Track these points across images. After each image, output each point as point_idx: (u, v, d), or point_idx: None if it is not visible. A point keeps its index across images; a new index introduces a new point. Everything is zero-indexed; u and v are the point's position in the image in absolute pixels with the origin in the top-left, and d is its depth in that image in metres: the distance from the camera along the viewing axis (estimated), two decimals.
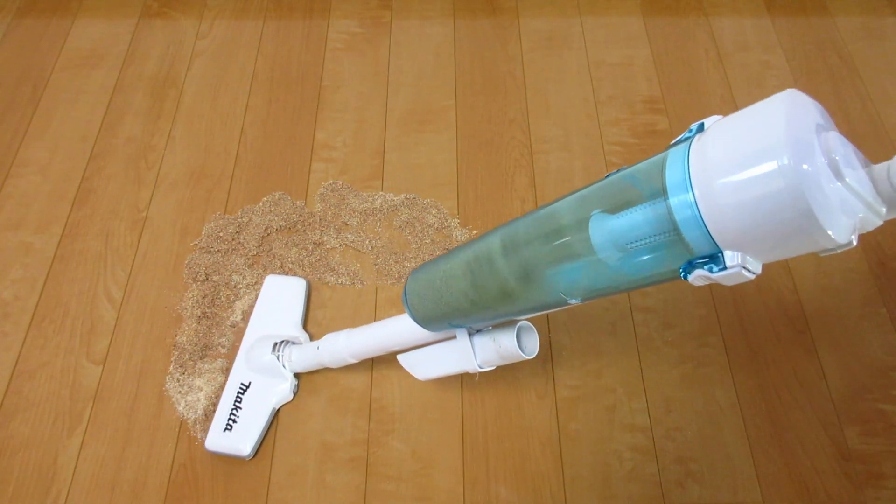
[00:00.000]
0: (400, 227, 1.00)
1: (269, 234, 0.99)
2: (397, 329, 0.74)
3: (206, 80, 1.17)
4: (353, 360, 0.81)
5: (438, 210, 1.02)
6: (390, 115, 1.13)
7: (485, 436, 0.84)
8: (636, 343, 0.90)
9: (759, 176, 0.38)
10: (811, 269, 0.97)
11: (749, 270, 0.41)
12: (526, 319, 0.66)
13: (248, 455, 0.81)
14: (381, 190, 1.04)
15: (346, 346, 0.79)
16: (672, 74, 1.18)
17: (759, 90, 1.16)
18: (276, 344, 0.85)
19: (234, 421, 0.82)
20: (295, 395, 0.86)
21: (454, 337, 0.69)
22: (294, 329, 0.89)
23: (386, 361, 0.89)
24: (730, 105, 1.14)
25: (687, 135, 0.45)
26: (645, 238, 0.45)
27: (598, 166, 1.07)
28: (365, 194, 1.03)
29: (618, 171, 0.50)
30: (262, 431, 0.82)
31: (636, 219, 0.45)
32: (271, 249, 0.98)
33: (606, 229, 0.47)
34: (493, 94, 1.15)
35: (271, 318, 0.90)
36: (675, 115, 1.13)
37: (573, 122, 1.12)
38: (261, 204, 1.02)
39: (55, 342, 0.91)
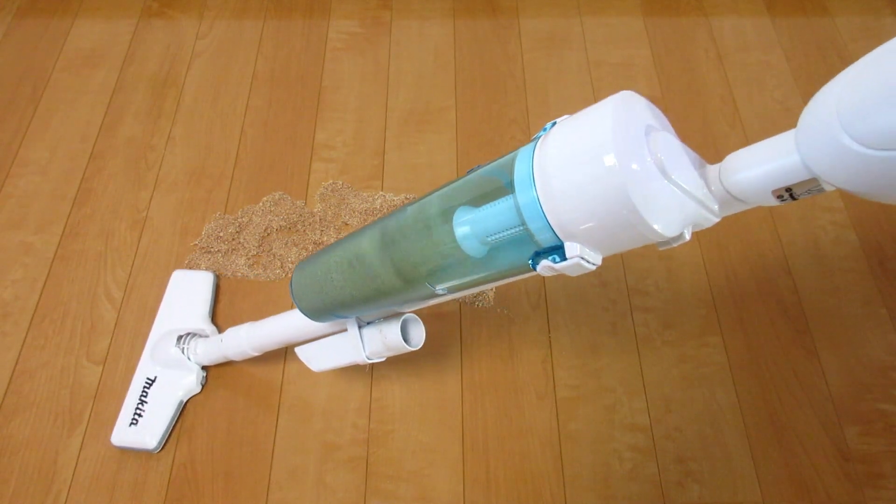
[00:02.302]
0: None
1: (269, 234, 0.99)
2: (293, 322, 0.75)
3: (206, 80, 1.17)
4: (255, 353, 0.81)
5: None
6: (390, 115, 1.13)
7: (485, 436, 0.84)
8: (636, 343, 0.90)
9: (590, 173, 0.40)
10: (811, 270, 0.97)
11: (588, 261, 0.43)
12: (411, 311, 0.67)
13: (155, 448, 0.82)
14: (381, 190, 1.04)
15: (247, 338, 0.80)
16: (672, 74, 1.18)
17: (759, 90, 1.16)
18: (180, 337, 0.85)
19: (139, 415, 0.82)
20: (203, 387, 0.87)
21: (346, 330, 0.70)
22: (201, 322, 0.89)
23: (386, 362, 0.89)
24: (729, 105, 1.14)
25: (541, 133, 0.47)
26: (500, 231, 0.47)
27: None
28: (365, 194, 1.03)
29: (479, 166, 0.52)
30: (169, 424, 0.83)
31: (493, 212, 0.47)
32: (271, 249, 0.98)
33: (468, 222, 0.49)
34: (493, 94, 1.15)
35: (177, 313, 0.91)
36: (675, 115, 1.13)
37: None
38: (261, 204, 1.02)
39: (55, 342, 0.91)
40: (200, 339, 0.86)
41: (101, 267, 0.97)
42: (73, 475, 0.82)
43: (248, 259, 0.97)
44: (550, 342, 0.90)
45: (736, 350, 0.90)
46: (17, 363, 0.89)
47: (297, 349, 0.76)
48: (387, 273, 0.56)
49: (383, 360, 0.70)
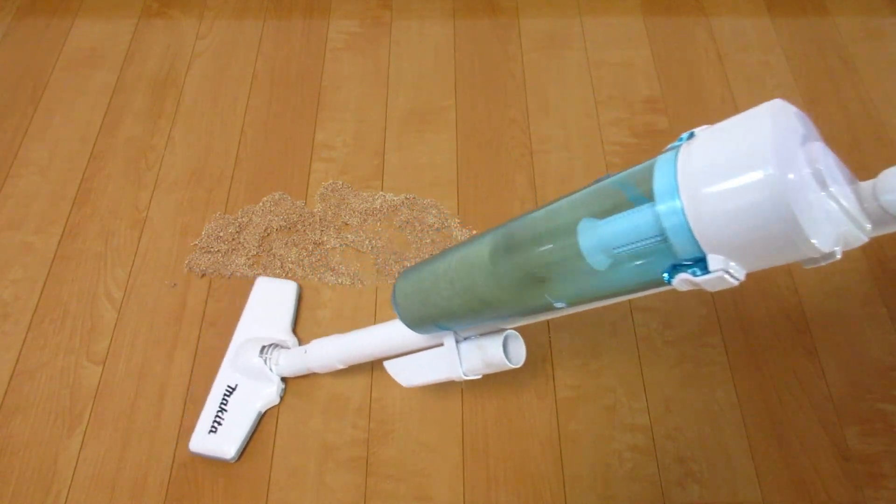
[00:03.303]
0: (400, 227, 1.00)
1: (269, 234, 0.99)
2: (385, 335, 0.74)
3: (206, 80, 1.17)
4: (341, 366, 0.80)
5: (438, 210, 1.02)
6: (390, 115, 1.13)
7: (485, 436, 0.84)
8: (636, 343, 0.90)
9: (745, 185, 0.39)
10: (811, 270, 0.97)
11: (732, 275, 0.42)
12: (513, 328, 0.66)
13: (232, 458, 0.81)
14: (381, 190, 1.04)
15: (333, 351, 0.79)
16: (672, 74, 1.18)
17: (759, 90, 1.16)
18: (264, 347, 0.85)
19: (219, 423, 0.82)
20: (281, 399, 0.86)
21: (441, 345, 0.69)
22: (283, 333, 0.88)
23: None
24: (730, 105, 1.14)
25: (677, 143, 0.46)
26: (632, 242, 0.46)
27: (598, 166, 1.07)
28: (365, 194, 1.03)
29: (606, 176, 0.51)
30: (247, 435, 0.82)
31: (624, 224, 0.46)
32: (271, 249, 0.98)
33: (595, 234, 0.48)
34: (493, 94, 1.15)
35: (260, 321, 0.90)
36: (675, 115, 1.13)
37: (573, 122, 1.12)
38: (261, 204, 1.02)
39: (55, 342, 0.91)
40: (283, 351, 0.84)
41: (101, 267, 0.97)
42: (73, 475, 0.82)
43: (248, 259, 0.97)
44: (550, 342, 0.90)
45: (736, 350, 0.90)
46: (17, 363, 0.89)
47: (386, 363, 0.74)
48: (501, 284, 0.54)
49: (479, 377, 0.68)
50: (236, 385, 0.84)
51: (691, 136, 0.45)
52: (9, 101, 1.15)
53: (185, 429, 0.84)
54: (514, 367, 0.64)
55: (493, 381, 0.87)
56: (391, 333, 0.72)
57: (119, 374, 0.88)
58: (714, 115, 1.13)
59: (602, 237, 0.47)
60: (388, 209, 1.02)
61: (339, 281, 0.95)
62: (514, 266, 0.54)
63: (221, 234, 0.99)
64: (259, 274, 0.95)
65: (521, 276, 0.53)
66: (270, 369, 0.84)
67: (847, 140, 1.10)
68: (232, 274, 0.96)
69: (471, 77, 1.17)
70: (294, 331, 0.91)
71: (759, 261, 0.42)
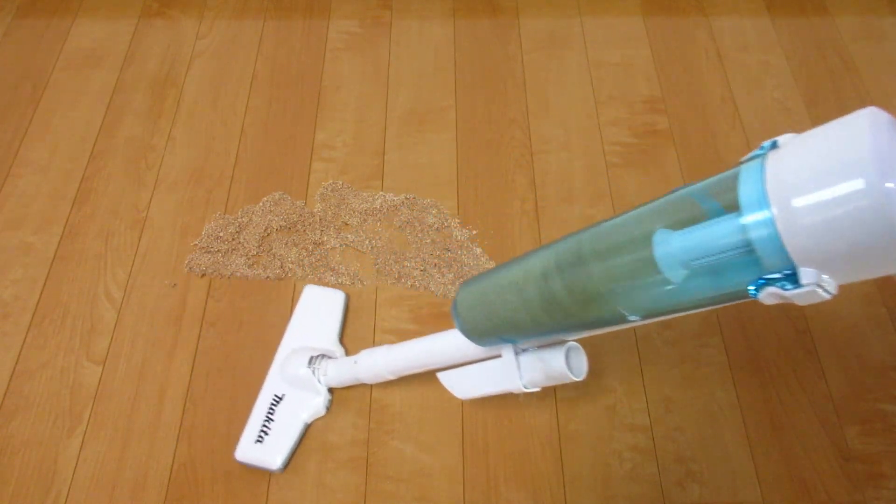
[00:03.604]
0: (400, 227, 1.00)
1: (269, 234, 0.99)
2: (441, 345, 0.72)
3: (206, 80, 1.17)
4: (392, 377, 0.79)
5: (438, 210, 1.02)
6: (390, 115, 1.13)
7: (485, 436, 0.84)
8: (636, 343, 0.90)
9: (843, 195, 0.37)
10: None
11: (824, 290, 0.40)
12: (575, 340, 0.64)
13: (279, 469, 0.80)
14: (381, 190, 1.04)
15: (385, 361, 0.77)
16: (672, 74, 1.18)
17: (759, 90, 1.16)
18: (312, 357, 0.83)
19: (265, 433, 0.81)
20: (328, 410, 0.85)
21: (499, 356, 0.67)
22: (331, 343, 0.87)
23: None
24: (730, 105, 1.14)
25: (759, 151, 0.44)
26: (713, 254, 0.44)
27: (599, 166, 1.07)
28: (365, 194, 1.03)
29: (682, 187, 0.50)
30: (294, 445, 0.81)
31: (705, 235, 0.44)
32: (271, 249, 0.98)
33: (672, 245, 0.46)
34: (493, 94, 1.15)
35: (308, 330, 0.89)
36: (675, 115, 1.13)
37: (573, 122, 1.12)
38: (261, 204, 1.02)
39: (55, 342, 0.91)
40: (330, 361, 0.83)
41: (101, 267, 0.97)
42: (73, 475, 0.82)
43: (248, 259, 0.97)
44: None
45: (736, 350, 0.90)
46: (17, 363, 0.89)
47: (440, 375, 0.73)
48: (571, 296, 0.53)
49: (538, 389, 0.66)
50: (283, 395, 0.83)
51: (774, 145, 0.44)
52: (9, 101, 1.15)
53: (185, 429, 0.84)
54: (576, 380, 0.63)
55: None
56: (446, 344, 0.71)
57: (119, 374, 0.88)
58: (714, 114, 1.13)
59: (679, 249, 0.46)
60: (388, 209, 1.02)
61: (339, 281, 0.95)
62: (584, 278, 0.52)
63: (221, 234, 0.99)
64: (259, 274, 0.95)
65: (591, 289, 0.52)
66: (319, 380, 0.83)
67: None
68: (232, 274, 0.96)
69: (471, 77, 1.17)
70: (341, 341, 0.90)
71: (854, 273, 0.40)
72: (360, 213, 1.01)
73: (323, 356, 0.84)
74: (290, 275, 0.96)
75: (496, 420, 0.85)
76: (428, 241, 0.99)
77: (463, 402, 0.86)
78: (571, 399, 0.86)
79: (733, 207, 0.43)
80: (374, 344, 0.90)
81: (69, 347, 0.90)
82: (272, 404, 0.83)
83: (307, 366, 0.83)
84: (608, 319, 0.54)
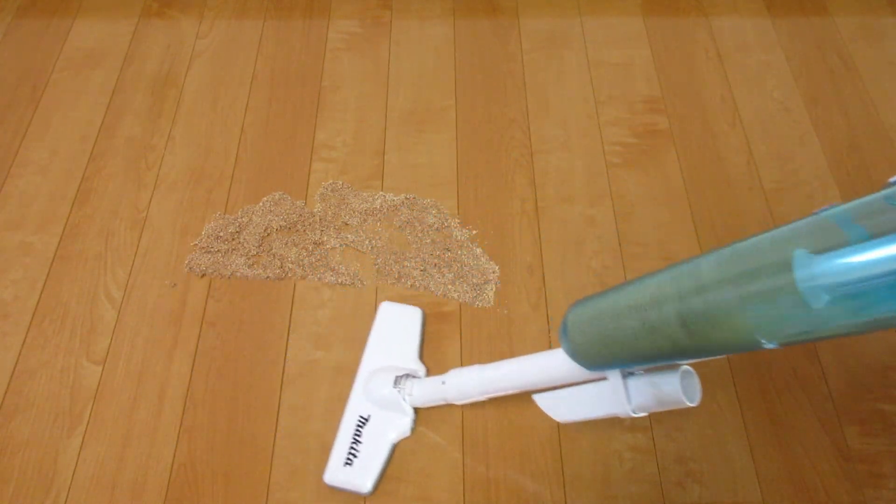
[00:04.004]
0: (400, 227, 1.00)
1: (269, 234, 0.99)
2: (540, 367, 0.69)
3: (206, 80, 1.17)
4: (482, 398, 0.78)
5: (438, 210, 1.02)
6: (390, 115, 1.13)
7: (485, 436, 0.84)
8: None
9: None
10: None
11: None
12: (689, 364, 0.61)
13: (369, 492, 0.79)
14: (381, 190, 1.04)
15: (475, 382, 0.75)
16: (672, 74, 1.18)
17: (759, 90, 1.16)
18: (398, 378, 0.82)
19: (353, 455, 0.80)
20: (413, 431, 0.83)
21: (601, 378, 0.64)
22: (412, 361, 0.86)
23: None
24: (730, 105, 1.14)
25: None
26: (864, 280, 0.42)
27: (599, 166, 1.07)
28: (365, 194, 1.03)
29: (827, 208, 0.48)
30: (383, 467, 0.80)
31: (855, 258, 0.42)
32: (271, 249, 0.98)
33: (815, 269, 0.44)
34: (493, 94, 1.15)
35: (387, 349, 0.88)
36: (675, 115, 1.13)
37: (573, 122, 1.12)
38: (261, 204, 1.02)
39: (55, 342, 0.91)
40: (415, 381, 0.82)
41: (101, 267, 0.97)
42: (73, 475, 0.82)
43: (248, 259, 0.97)
44: (550, 342, 0.90)
45: None
46: (17, 363, 0.89)
47: (536, 397, 0.71)
48: (699, 323, 0.50)
49: (646, 415, 0.63)
50: (369, 416, 0.82)
51: None
52: (9, 101, 1.15)
53: (185, 429, 0.84)
54: (690, 405, 0.60)
55: None
56: (546, 366, 0.68)
57: (119, 374, 0.88)
58: (714, 114, 1.13)
59: (825, 272, 0.43)
60: (388, 209, 1.02)
61: (339, 281, 0.95)
62: (714, 304, 0.49)
63: (221, 234, 0.99)
64: (259, 274, 0.95)
65: (722, 315, 0.49)
66: (404, 399, 0.82)
67: (847, 140, 1.10)
68: (232, 274, 0.96)
69: (471, 77, 1.17)
70: (421, 358, 0.88)
71: None
72: (360, 213, 1.01)
73: (407, 376, 0.83)
74: (289, 275, 0.96)
75: (496, 420, 0.85)
76: (428, 241, 0.99)
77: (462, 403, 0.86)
78: None
79: (882, 232, 0.41)
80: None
81: (69, 347, 0.90)
82: (358, 426, 0.81)
83: (393, 386, 0.82)
84: (740, 346, 0.51)
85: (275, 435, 0.84)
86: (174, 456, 0.83)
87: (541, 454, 0.83)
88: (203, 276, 0.96)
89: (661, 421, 0.85)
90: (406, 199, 1.03)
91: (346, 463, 0.79)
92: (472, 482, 0.81)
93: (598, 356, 0.60)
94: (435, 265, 0.96)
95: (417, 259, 0.97)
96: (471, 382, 0.76)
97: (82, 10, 1.27)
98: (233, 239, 0.99)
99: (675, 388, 0.59)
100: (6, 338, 0.91)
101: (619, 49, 1.21)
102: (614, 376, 0.63)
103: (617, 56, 1.20)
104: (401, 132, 1.11)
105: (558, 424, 0.84)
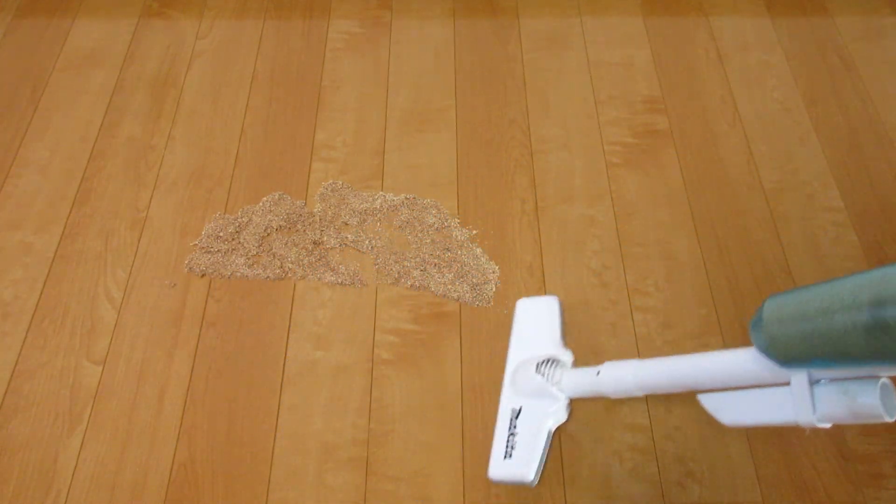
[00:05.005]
0: (400, 227, 1.00)
1: (269, 234, 0.99)
2: (711, 365, 0.66)
3: (206, 80, 1.17)
4: (640, 394, 0.75)
5: (438, 210, 1.02)
6: (390, 115, 1.13)
7: (485, 436, 0.84)
8: (636, 343, 0.90)
9: None
10: (812, 269, 0.97)
11: None
12: (888, 377, 0.57)
13: (533, 481, 0.77)
14: (381, 190, 1.04)
15: (635, 377, 0.73)
16: (672, 74, 1.18)
17: (759, 90, 1.16)
18: (539, 364, 0.81)
19: (512, 447, 0.79)
20: (569, 414, 0.81)
21: (783, 384, 0.61)
22: (555, 347, 0.85)
23: (386, 361, 0.89)
24: (730, 105, 1.14)
25: None
26: None
27: (599, 166, 1.07)
28: (365, 194, 1.03)
29: None
30: (543, 455, 0.79)
31: None
32: (271, 249, 0.98)
33: None
34: (493, 94, 1.15)
35: (530, 341, 0.87)
36: (675, 115, 1.13)
37: (573, 122, 1.12)
38: (261, 204, 1.02)
39: (55, 342, 0.91)
40: (565, 369, 0.81)
41: (101, 267, 0.97)
42: (73, 475, 0.81)
43: (248, 259, 0.97)
44: None
45: None
46: (17, 363, 0.89)
47: (701, 397, 0.67)
48: None
49: (828, 426, 0.59)
50: (520, 407, 0.81)
51: None
52: (9, 101, 1.15)
53: (185, 429, 0.84)
54: (889, 420, 0.56)
55: (493, 381, 0.87)
56: (718, 364, 0.65)
57: (119, 374, 0.88)
58: (714, 114, 1.13)
59: None
60: (387, 209, 1.02)
61: (339, 281, 0.95)
62: None
63: (221, 234, 0.99)
64: (259, 274, 0.95)
65: None
66: (552, 385, 0.80)
67: (847, 140, 1.10)
68: (232, 274, 0.96)
69: (471, 77, 1.17)
70: (565, 345, 0.87)
71: None
72: (360, 213, 1.01)
73: (550, 360, 0.82)
74: (289, 275, 0.96)
75: (496, 420, 0.85)
76: (428, 241, 0.99)
77: (462, 402, 0.86)
78: (571, 399, 0.86)
79: None
80: (372, 346, 0.90)
81: (69, 347, 0.90)
82: (512, 419, 0.81)
83: (535, 372, 0.81)
84: None
85: (275, 435, 0.84)
86: (174, 456, 0.83)
87: None
88: (203, 276, 0.96)
89: (661, 421, 0.85)
90: (406, 199, 1.03)
91: (506, 456, 0.79)
92: (473, 482, 0.81)
93: (797, 352, 0.56)
94: (435, 265, 0.96)
95: (417, 259, 0.97)
96: (629, 377, 0.74)
97: (82, 10, 1.27)
98: (233, 239, 0.99)
99: (874, 400, 0.55)
100: (6, 338, 0.91)
101: (619, 49, 1.21)
102: (800, 382, 0.59)
103: (617, 56, 1.20)
104: (401, 132, 1.11)
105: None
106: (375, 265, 0.97)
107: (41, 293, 0.95)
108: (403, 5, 1.27)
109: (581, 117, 1.12)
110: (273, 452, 0.83)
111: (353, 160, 1.07)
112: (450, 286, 0.94)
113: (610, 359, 0.90)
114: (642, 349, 0.89)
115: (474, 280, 0.95)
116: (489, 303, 0.93)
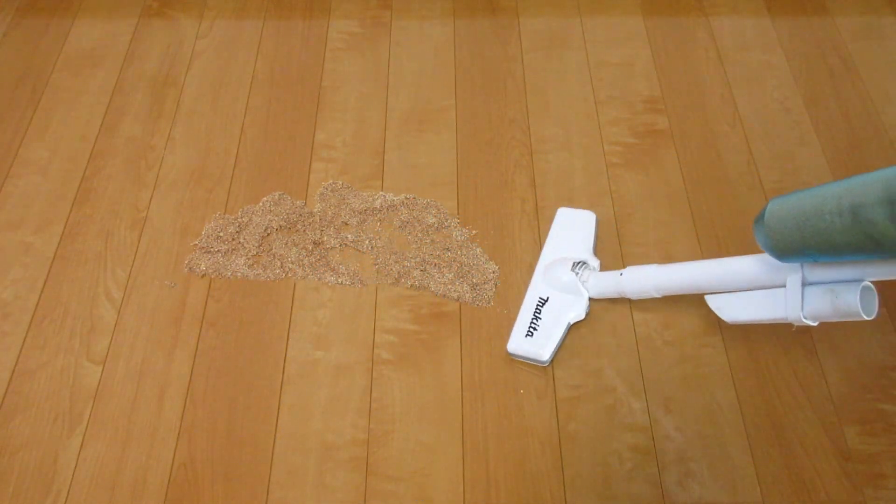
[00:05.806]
0: (400, 227, 1.00)
1: (269, 234, 0.99)
2: (724, 269, 0.75)
3: (206, 80, 1.17)
4: (657, 294, 0.84)
5: (438, 210, 1.02)
6: (390, 115, 1.13)
7: (485, 436, 0.84)
8: (636, 343, 0.90)
9: None
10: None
11: None
12: (872, 281, 0.64)
13: (547, 361, 0.86)
14: (381, 190, 1.04)
15: (653, 278, 0.82)
16: (672, 74, 1.18)
17: (759, 90, 1.16)
18: (575, 264, 0.90)
19: (534, 329, 0.87)
20: (587, 314, 0.90)
21: (780, 286, 0.69)
22: (587, 253, 0.94)
23: (386, 361, 0.89)
24: (730, 105, 1.14)
25: None
26: None
27: (599, 166, 1.07)
28: (365, 194, 1.03)
29: None
30: (559, 342, 0.87)
31: None
32: (271, 249, 0.98)
33: None
34: (493, 94, 1.15)
35: (565, 243, 0.95)
36: (675, 115, 1.13)
37: (573, 122, 1.12)
38: (261, 204, 1.02)
39: (55, 342, 0.91)
40: (592, 272, 0.90)
41: (101, 267, 0.97)
42: (73, 475, 0.82)
43: (248, 259, 0.97)
44: None
45: (736, 350, 0.90)
46: (17, 363, 0.89)
47: (708, 297, 0.78)
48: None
49: (815, 324, 0.67)
50: (548, 297, 0.90)
51: None
52: (9, 101, 1.15)
53: (185, 429, 0.84)
54: (866, 318, 0.63)
55: (493, 381, 0.87)
56: (725, 268, 0.74)
57: (119, 374, 0.88)
58: (714, 114, 1.13)
59: None
60: (387, 209, 1.02)
61: (339, 281, 0.95)
62: None
63: (221, 234, 0.99)
64: (259, 274, 0.95)
65: None
66: (582, 284, 0.89)
67: (847, 140, 1.10)
68: (232, 274, 0.96)
69: (471, 77, 1.17)
70: (595, 253, 0.95)
71: None
72: (360, 213, 1.01)
73: (584, 264, 0.91)
74: (289, 275, 0.96)
75: (496, 420, 0.85)
76: (428, 241, 0.99)
77: (462, 402, 0.86)
78: (571, 399, 0.86)
79: None
80: (373, 346, 0.91)
81: (69, 347, 0.90)
82: (539, 305, 0.90)
83: (570, 270, 0.89)
84: None
85: (274, 435, 0.84)
86: (174, 456, 0.83)
87: (541, 454, 0.83)
88: (203, 276, 0.96)
89: (661, 421, 0.85)
90: (406, 199, 1.03)
91: (528, 335, 0.87)
92: (473, 482, 0.81)
93: (792, 246, 0.63)
94: (435, 265, 0.96)
95: (417, 259, 0.97)
96: (648, 278, 0.83)
97: (82, 10, 1.27)
98: (233, 239, 0.99)
99: (854, 299, 0.62)
100: (6, 338, 0.91)
101: (619, 49, 1.21)
102: (794, 283, 0.67)
103: (617, 56, 1.20)
104: (401, 132, 1.11)
105: (558, 424, 0.84)
106: (375, 265, 0.97)
107: (41, 293, 0.95)
108: (403, 5, 1.27)
109: (581, 117, 1.12)
110: (273, 452, 0.83)
111: (353, 160, 1.07)
112: (450, 286, 0.94)
113: (609, 359, 0.90)
114: (642, 349, 0.89)
115: (474, 280, 0.95)
116: (489, 303, 0.93)
